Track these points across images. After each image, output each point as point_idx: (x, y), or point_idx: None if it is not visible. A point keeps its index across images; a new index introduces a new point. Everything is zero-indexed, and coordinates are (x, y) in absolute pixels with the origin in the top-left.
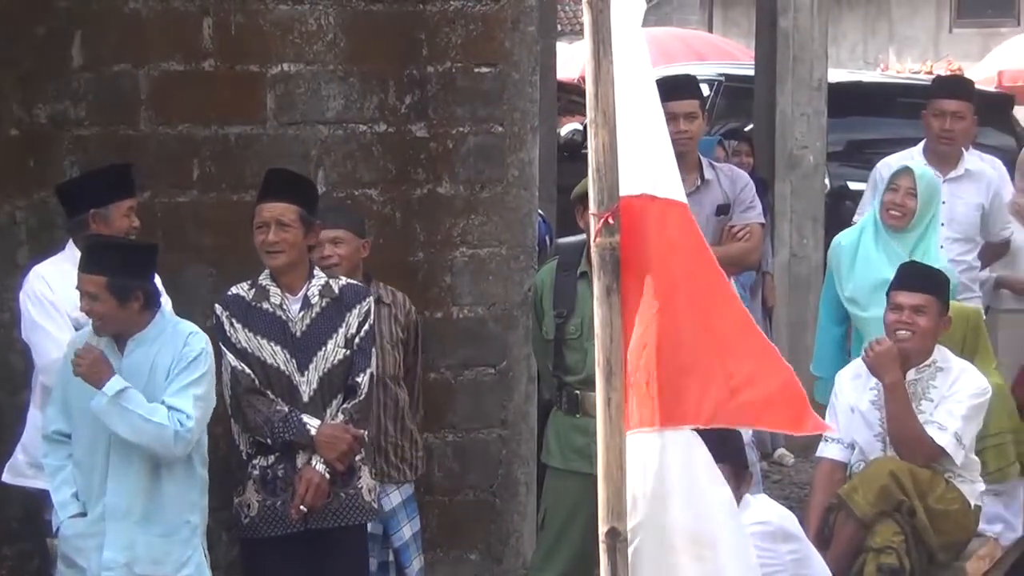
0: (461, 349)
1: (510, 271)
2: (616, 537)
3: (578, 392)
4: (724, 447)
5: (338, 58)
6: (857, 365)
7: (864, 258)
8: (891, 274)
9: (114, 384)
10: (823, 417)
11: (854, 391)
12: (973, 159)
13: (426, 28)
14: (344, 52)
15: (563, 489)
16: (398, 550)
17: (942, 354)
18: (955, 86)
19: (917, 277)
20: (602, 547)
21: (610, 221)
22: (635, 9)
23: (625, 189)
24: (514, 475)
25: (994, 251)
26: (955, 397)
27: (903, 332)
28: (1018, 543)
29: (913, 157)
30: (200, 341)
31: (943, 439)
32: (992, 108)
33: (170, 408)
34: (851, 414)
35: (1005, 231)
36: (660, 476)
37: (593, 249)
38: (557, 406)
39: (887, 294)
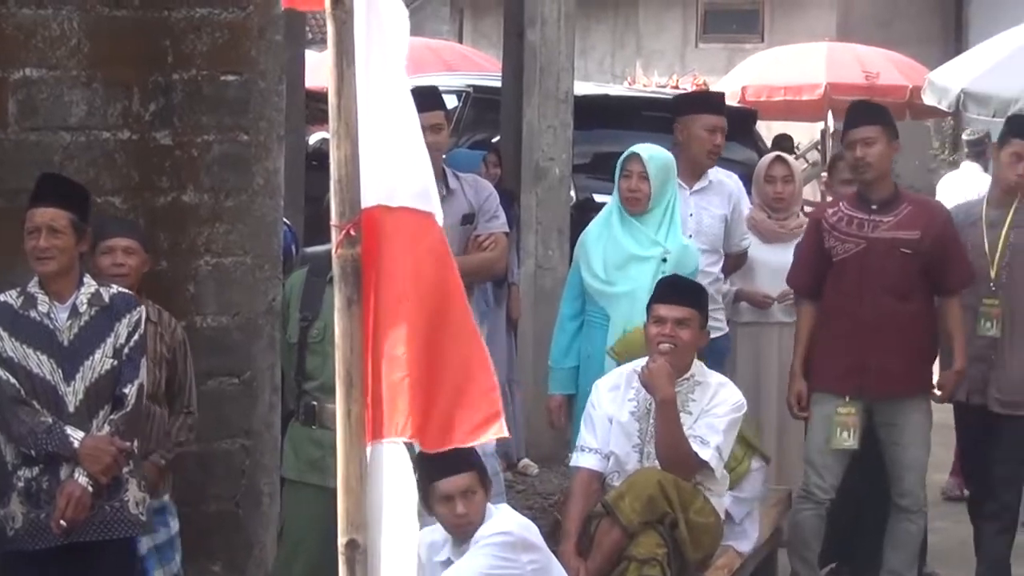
0: (205, 358)
1: (255, 280)
2: (355, 549)
3: (315, 403)
4: (461, 457)
5: (81, 64)
6: (615, 376)
7: (612, 239)
8: (639, 250)
9: None
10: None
11: (612, 402)
12: (713, 170)
13: (171, 35)
14: (88, 58)
15: (299, 501)
16: (143, 558)
17: (699, 368)
18: (721, 102)
19: (679, 290)
20: (341, 559)
21: (352, 232)
22: (399, 17)
23: (368, 200)
24: (257, 486)
25: (733, 263)
26: (715, 411)
27: (666, 345)
28: (755, 553)
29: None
30: None
31: (706, 453)
32: (737, 123)
33: None
34: (609, 425)
35: (744, 241)
36: (396, 487)
37: (335, 260)
38: (295, 417)
39: (647, 307)
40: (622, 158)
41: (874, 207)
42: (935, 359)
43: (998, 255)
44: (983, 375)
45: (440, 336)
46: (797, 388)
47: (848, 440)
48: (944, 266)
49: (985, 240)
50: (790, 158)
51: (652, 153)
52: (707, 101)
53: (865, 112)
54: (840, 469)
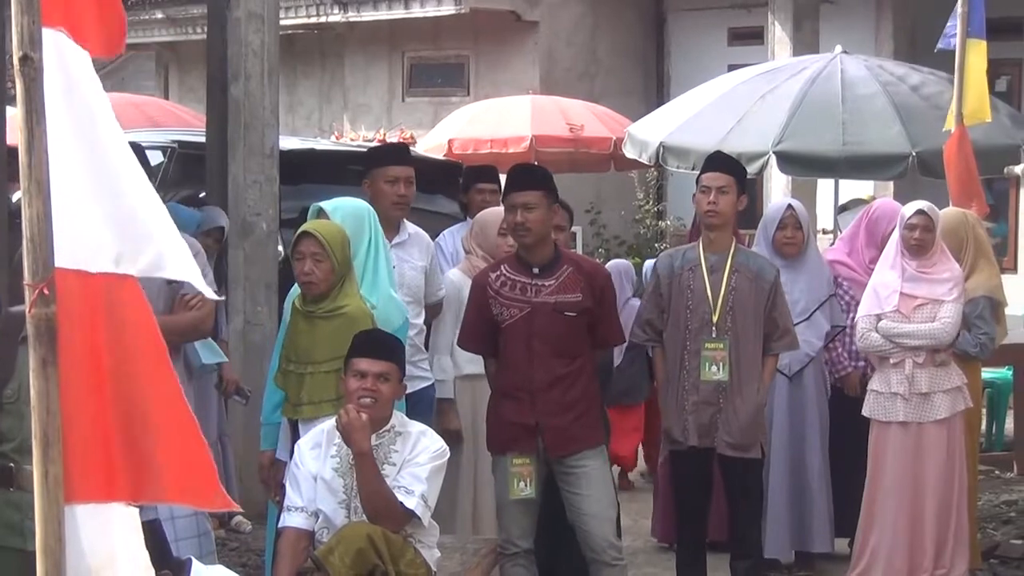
0: None
1: None
2: None
3: (12, 465)
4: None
5: None
6: (316, 435)
7: None
8: None
9: None
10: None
11: (315, 460)
12: (409, 223)
13: None
14: None
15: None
16: None
17: (399, 418)
18: (404, 152)
19: (378, 344)
20: None
21: (45, 292)
22: (84, 67)
23: (61, 261)
24: None
25: (431, 312)
26: (417, 460)
27: (367, 399)
28: None
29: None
30: None
31: (411, 502)
32: (443, 175)
33: None
34: (314, 483)
35: (440, 292)
36: (95, 549)
37: (29, 320)
38: None
39: (346, 361)
40: (310, 216)
41: (536, 270)
42: (602, 407)
43: (720, 300)
44: (711, 419)
45: (143, 399)
46: None
47: (526, 490)
48: (599, 323)
49: (707, 285)
50: None
51: (336, 205)
52: (388, 153)
53: (526, 177)
54: (527, 520)
